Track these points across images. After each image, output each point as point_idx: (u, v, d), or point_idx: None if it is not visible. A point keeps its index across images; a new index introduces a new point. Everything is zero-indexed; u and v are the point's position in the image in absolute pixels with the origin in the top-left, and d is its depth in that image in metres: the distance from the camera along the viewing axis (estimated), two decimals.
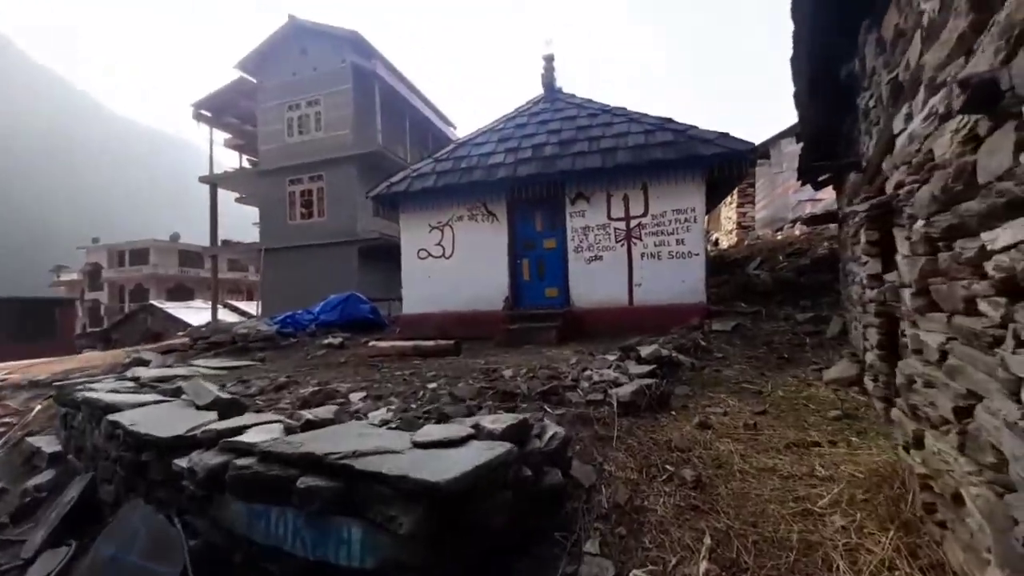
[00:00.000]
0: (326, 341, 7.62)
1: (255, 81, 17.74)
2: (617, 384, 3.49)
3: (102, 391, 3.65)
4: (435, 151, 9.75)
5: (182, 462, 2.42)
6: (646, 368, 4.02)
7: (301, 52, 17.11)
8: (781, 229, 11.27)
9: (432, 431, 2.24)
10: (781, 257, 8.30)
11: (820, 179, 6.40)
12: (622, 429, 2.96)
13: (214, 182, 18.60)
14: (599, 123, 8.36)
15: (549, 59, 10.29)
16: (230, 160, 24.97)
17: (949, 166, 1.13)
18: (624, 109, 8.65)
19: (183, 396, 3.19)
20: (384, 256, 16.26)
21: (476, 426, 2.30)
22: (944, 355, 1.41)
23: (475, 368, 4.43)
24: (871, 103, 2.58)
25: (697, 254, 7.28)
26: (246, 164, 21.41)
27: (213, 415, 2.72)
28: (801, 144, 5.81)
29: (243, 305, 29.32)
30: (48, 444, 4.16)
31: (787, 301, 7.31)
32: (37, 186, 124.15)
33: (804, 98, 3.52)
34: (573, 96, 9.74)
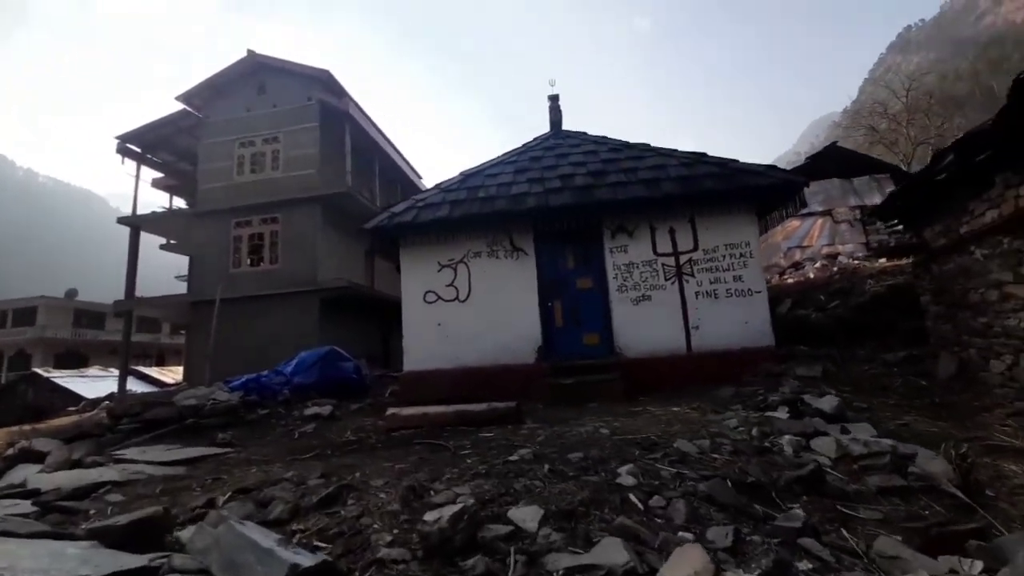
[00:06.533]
0: (310, 412, 5.73)
1: (200, 116, 15.88)
2: (902, 456, 2.27)
3: None
4: (405, 198, 8.51)
5: None
6: (869, 429, 2.86)
7: (259, 88, 15.71)
8: (784, 273, 11.18)
9: None
10: (823, 297, 7.83)
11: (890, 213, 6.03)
12: None
13: (136, 224, 15.82)
14: (627, 156, 7.74)
15: (554, 98, 9.98)
16: (153, 202, 21.95)
17: None
18: (647, 144, 8.16)
19: (178, 566, 1.43)
20: (356, 309, 14.27)
21: None
22: None
23: (599, 440, 3.00)
24: None
25: (759, 291, 6.53)
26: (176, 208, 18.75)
27: None
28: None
29: (155, 372, 24.68)
30: None
31: (854, 342, 6.68)
32: None
33: None
34: (584, 133, 9.22)
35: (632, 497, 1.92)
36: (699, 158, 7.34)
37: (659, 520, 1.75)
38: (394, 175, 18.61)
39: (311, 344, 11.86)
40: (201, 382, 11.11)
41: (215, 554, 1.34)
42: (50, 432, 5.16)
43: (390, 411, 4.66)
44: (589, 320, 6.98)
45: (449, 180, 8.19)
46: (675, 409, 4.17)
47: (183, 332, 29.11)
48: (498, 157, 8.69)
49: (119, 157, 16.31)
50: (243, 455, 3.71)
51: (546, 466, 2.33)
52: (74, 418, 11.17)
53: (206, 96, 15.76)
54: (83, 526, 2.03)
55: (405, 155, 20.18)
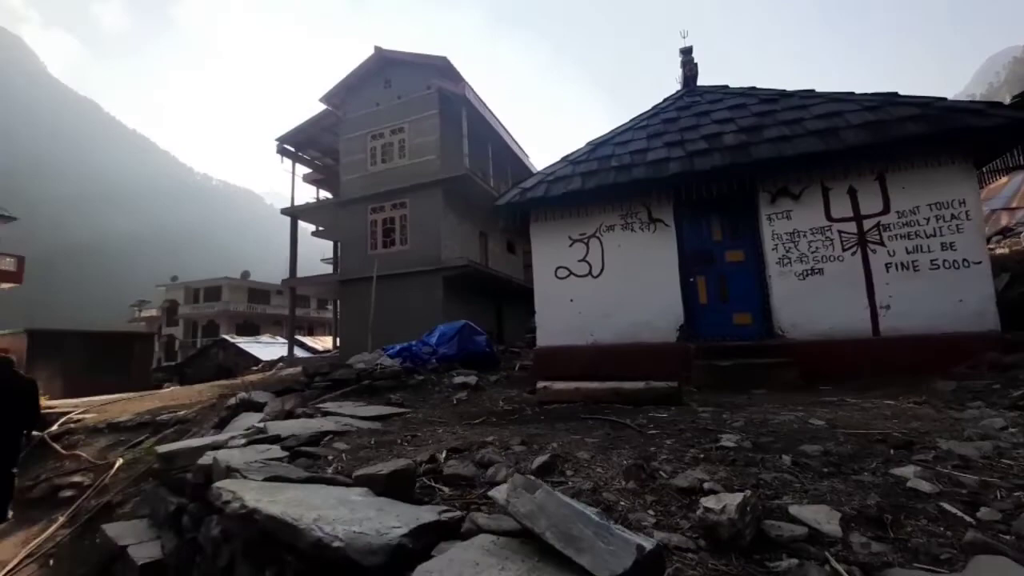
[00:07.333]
0: (458, 380, 6.02)
1: (339, 114, 17.61)
2: None
3: (249, 480, 1.99)
4: (517, 181, 8.28)
5: None
6: None
7: (385, 82, 16.86)
8: (987, 241, 8.89)
9: None
10: None
11: None
12: None
13: (295, 214, 18.29)
14: (786, 107, 6.64)
15: (687, 51, 9.00)
16: (304, 196, 25.23)
17: None
18: (811, 90, 6.92)
19: (483, 524, 1.48)
20: (473, 287, 14.91)
21: None
22: None
23: (820, 433, 2.54)
24: None
25: (978, 262, 5.18)
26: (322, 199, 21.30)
27: None
28: None
29: (308, 340, 28.87)
30: (138, 541, 2.63)
31: None
32: (122, 231, 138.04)
33: None
34: (725, 86, 8.17)
35: (948, 507, 1.50)
36: (889, 99, 6.01)
37: (1008, 537, 1.33)
38: (506, 157, 18.81)
39: (437, 319, 12.66)
40: (351, 350, 12.55)
41: (543, 521, 1.28)
42: (261, 386, 6.17)
43: (541, 384, 4.64)
44: (739, 297, 6.24)
45: (577, 151, 7.87)
46: (888, 402, 3.45)
47: (328, 307, 33.47)
48: (627, 123, 8.13)
49: (278, 157, 18.94)
50: (420, 415, 3.97)
51: (785, 458, 1.99)
52: (259, 375, 13.48)
53: (343, 95, 17.39)
54: (328, 470, 2.28)
55: (515, 136, 20.27)
